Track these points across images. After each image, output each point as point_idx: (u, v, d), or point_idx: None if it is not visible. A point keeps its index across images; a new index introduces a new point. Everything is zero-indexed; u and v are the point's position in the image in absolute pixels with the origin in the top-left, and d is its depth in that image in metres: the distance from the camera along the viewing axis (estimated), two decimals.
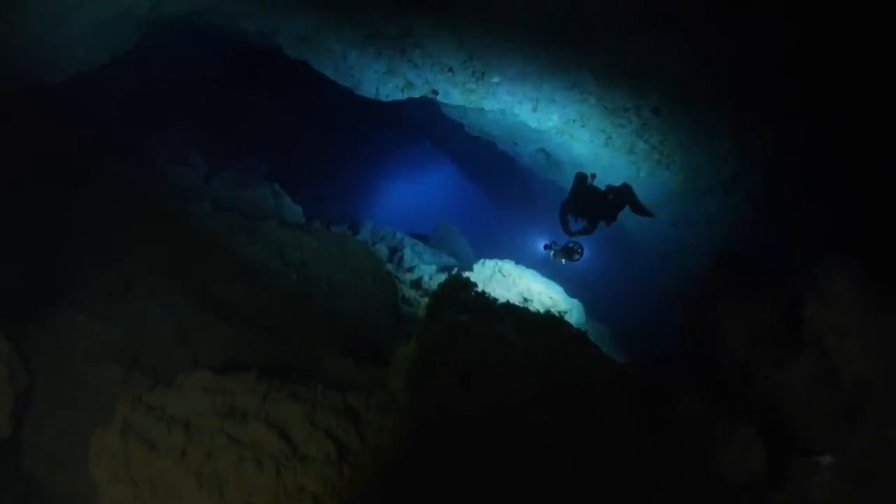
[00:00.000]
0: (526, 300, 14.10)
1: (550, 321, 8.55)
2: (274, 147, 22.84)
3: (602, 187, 11.53)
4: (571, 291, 15.16)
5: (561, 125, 15.04)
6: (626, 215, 12.35)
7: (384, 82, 15.79)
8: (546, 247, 12.26)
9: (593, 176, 11.47)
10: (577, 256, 11.97)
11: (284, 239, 12.27)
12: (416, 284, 14.59)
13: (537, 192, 21.32)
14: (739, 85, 11.25)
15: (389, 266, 14.70)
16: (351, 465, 6.95)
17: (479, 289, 8.69)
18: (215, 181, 15.76)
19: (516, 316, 8.14)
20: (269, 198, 16.60)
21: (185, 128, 19.26)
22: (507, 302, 8.67)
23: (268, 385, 7.64)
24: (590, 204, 11.29)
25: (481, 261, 15.32)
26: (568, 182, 12.29)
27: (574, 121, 14.57)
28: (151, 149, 16.98)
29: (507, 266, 15.26)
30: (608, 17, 10.95)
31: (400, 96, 15.88)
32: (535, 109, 15.03)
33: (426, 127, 24.04)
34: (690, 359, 11.85)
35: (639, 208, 11.64)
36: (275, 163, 21.47)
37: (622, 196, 11.39)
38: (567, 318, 13.75)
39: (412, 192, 34.17)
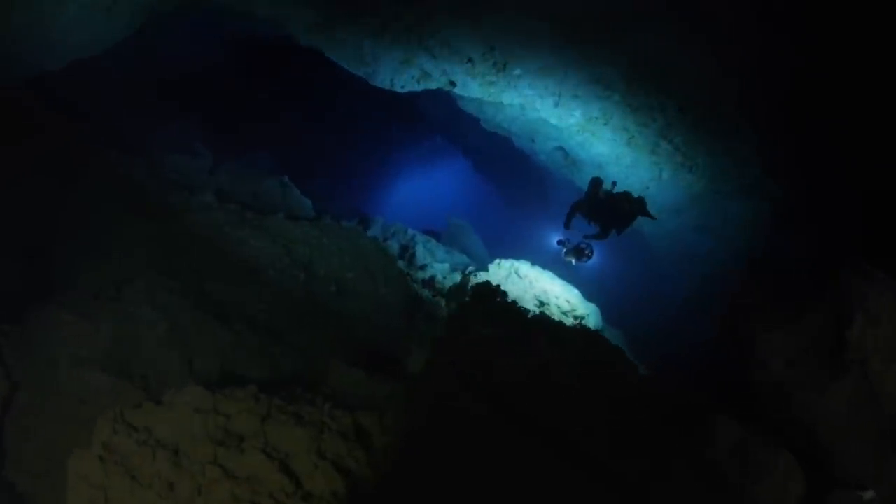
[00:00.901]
0: (542, 303, 13.10)
1: (586, 337, 7.43)
2: (283, 140, 21.67)
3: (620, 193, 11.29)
4: (586, 294, 14.29)
5: (583, 122, 14.06)
6: (641, 220, 11.94)
7: (400, 72, 14.71)
8: (559, 242, 12.24)
9: (614, 184, 11.17)
10: (586, 257, 11.90)
11: (292, 234, 11.13)
12: (429, 283, 13.45)
13: (551, 191, 20.22)
14: (765, 87, 10.79)
15: (400, 263, 13.55)
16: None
17: (508, 297, 7.53)
18: (220, 172, 14.61)
19: (549, 331, 6.99)
20: (278, 190, 15.45)
21: (191, 119, 18.08)
22: (540, 313, 7.52)
23: (268, 404, 6.51)
24: (604, 211, 11.11)
25: (497, 261, 14.22)
26: (585, 181, 12.05)
27: (596, 118, 13.69)
28: (155, 139, 15.83)
29: (524, 267, 14.21)
30: (636, 11, 10.45)
31: (416, 87, 14.80)
32: (556, 105, 14.09)
33: (439, 121, 22.94)
34: (719, 374, 11.35)
35: (647, 214, 11.36)
36: (284, 156, 20.31)
37: (637, 208, 11.11)
38: (585, 322, 12.81)
39: (423, 187, 32.97)
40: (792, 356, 9.53)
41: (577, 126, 14.28)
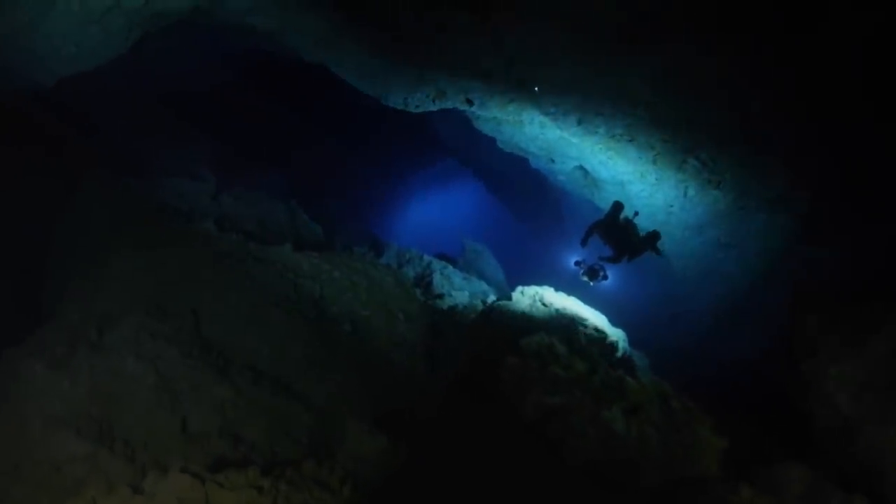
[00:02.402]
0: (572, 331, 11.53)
1: (658, 395, 5.84)
2: (292, 162, 20.16)
3: (638, 226, 11.59)
4: (610, 318, 12.85)
5: (606, 139, 12.74)
6: (664, 240, 12.20)
7: (413, 91, 13.20)
8: (576, 263, 12.24)
9: (636, 214, 11.42)
10: (601, 278, 12.01)
11: (300, 268, 9.57)
12: (448, 315, 11.84)
13: (567, 212, 18.76)
14: (796, 102, 10.09)
15: (416, 292, 11.94)
16: None
17: (562, 347, 5.93)
18: (224, 197, 13.05)
19: (625, 397, 5.39)
20: (285, 216, 13.92)
21: (195, 140, 16.56)
22: (612, 372, 5.93)
23: (273, 495, 4.89)
24: (619, 237, 11.32)
25: (519, 289, 12.66)
26: (605, 201, 12.54)
27: (621, 135, 12.45)
28: (156, 161, 14.32)
29: (549, 294, 12.71)
30: (662, 22, 9.54)
31: (431, 107, 13.25)
32: (579, 122, 12.60)
33: (451, 143, 21.49)
34: (760, 402, 10.62)
35: (655, 249, 11.65)
36: (293, 178, 18.80)
37: (649, 240, 11.44)
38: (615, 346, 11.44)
39: (435, 209, 31.42)
40: (857, 389, 8.32)
41: (600, 144, 12.96)
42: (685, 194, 13.03)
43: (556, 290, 12.83)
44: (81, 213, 10.86)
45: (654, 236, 11.55)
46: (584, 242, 11.67)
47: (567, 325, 11.80)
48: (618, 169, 13.47)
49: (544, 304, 12.33)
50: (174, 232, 9.85)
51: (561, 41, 10.99)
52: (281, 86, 19.24)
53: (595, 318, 12.57)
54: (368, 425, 7.14)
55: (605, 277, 12.18)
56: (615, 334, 12.54)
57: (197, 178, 13.52)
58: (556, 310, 12.16)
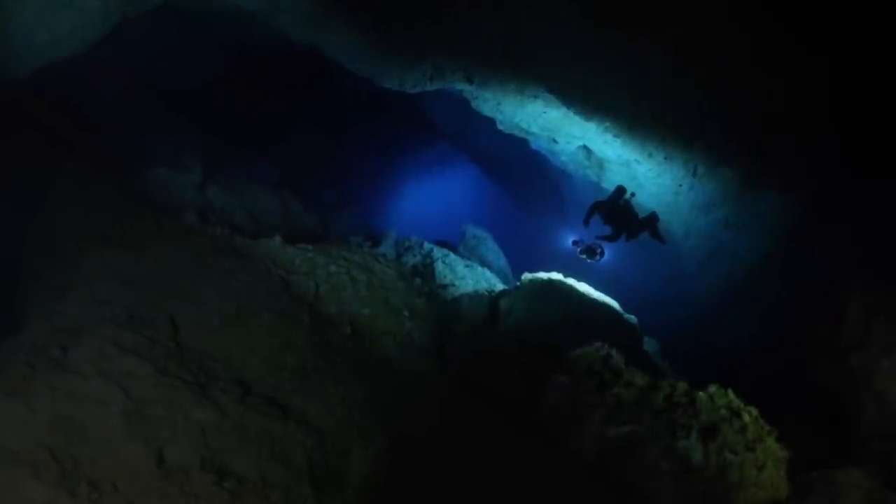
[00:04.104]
0: None
1: (727, 408, 4.56)
2: (284, 151, 18.73)
3: (636, 208, 11.65)
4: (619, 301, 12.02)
5: (614, 118, 11.70)
6: (670, 219, 12.64)
7: (410, 70, 11.87)
8: (574, 242, 12.22)
9: (633, 195, 11.40)
10: (598, 256, 11.98)
11: (292, 262, 8.22)
12: (456, 307, 10.53)
13: (568, 194, 17.51)
14: (809, 78, 9.60)
15: (417, 282, 10.59)
16: None
17: (621, 358, 4.61)
18: (210, 188, 11.66)
19: (696, 416, 4.09)
20: (277, 206, 12.57)
21: (183, 131, 15.11)
22: (675, 383, 4.61)
23: None
24: (619, 217, 11.40)
25: (526, 276, 11.34)
26: (610, 182, 12.50)
27: (629, 114, 11.50)
28: (142, 153, 12.90)
29: (557, 281, 11.34)
30: None
31: (428, 87, 11.96)
32: (585, 99, 11.57)
33: (447, 127, 20.12)
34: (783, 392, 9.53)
35: (656, 235, 11.80)
36: (285, 168, 17.39)
37: (647, 222, 11.60)
38: None
39: (431, 194, 29.98)
40: None
41: (607, 122, 11.87)
42: (694, 173, 12.17)
43: (565, 275, 11.62)
44: (56, 210, 9.49)
45: (652, 218, 11.67)
46: (586, 221, 11.59)
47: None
48: (624, 148, 12.35)
49: None
50: (151, 227, 8.45)
51: (569, 11, 9.91)
52: (271, 73, 17.86)
53: (610, 304, 11.45)
54: (378, 447, 5.85)
55: (602, 255, 12.06)
56: (629, 320, 11.44)
57: (182, 168, 12.09)
58: None
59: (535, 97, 11.98)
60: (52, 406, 5.68)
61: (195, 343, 6.56)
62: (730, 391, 4.85)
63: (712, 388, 4.72)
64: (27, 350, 6.43)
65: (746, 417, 4.66)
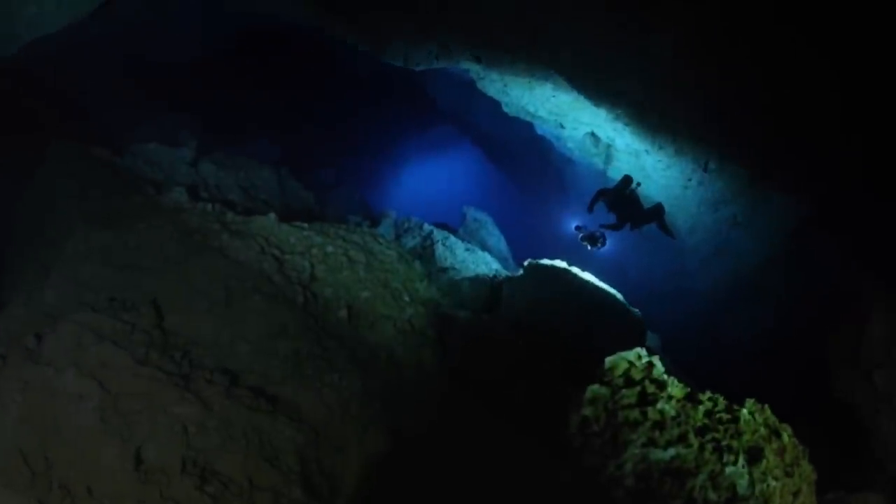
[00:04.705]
0: None
1: (767, 427, 3.98)
2: (283, 129, 18.07)
3: (642, 199, 11.36)
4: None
5: (626, 105, 10.98)
6: (676, 214, 12.34)
7: (415, 46, 11.23)
8: (577, 228, 11.78)
9: (638, 184, 11.03)
10: (600, 244, 11.61)
11: (286, 241, 7.60)
12: (456, 292, 9.95)
13: (571, 182, 16.91)
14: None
15: (417, 265, 9.96)
16: None
17: (662, 366, 4.01)
18: (203, 164, 11.01)
19: (738, 436, 3.51)
20: (274, 183, 11.93)
21: (181, 108, 14.45)
22: (715, 396, 4.02)
23: None
24: (623, 206, 11.08)
25: (530, 262, 10.76)
26: (617, 171, 12.15)
27: (640, 101, 10.72)
28: (137, 130, 12.24)
29: (562, 269, 10.78)
30: None
31: (434, 64, 11.32)
32: (598, 83, 10.71)
33: (449, 108, 19.49)
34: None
35: (664, 228, 11.48)
36: (284, 146, 16.75)
37: (654, 212, 11.31)
38: None
39: (432, 176, 29.23)
40: None
41: (618, 109, 11.16)
42: (705, 168, 11.57)
43: (570, 264, 11.05)
44: (43, 188, 8.89)
45: (658, 209, 11.30)
46: (590, 208, 11.13)
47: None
48: (634, 137, 11.78)
49: None
50: (139, 205, 7.83)
51: None
52: (274, 51, 17.27)
53: (615, 295, 10.88)
54: (376, 445, 5.29)
55: (604, 243, 11.65)
56: (634, 314, 10.86)
57: (175, 144, 11.41)
58: None
59: (545, 80, 11.35)
60: (24, 403, 5.11)
61: (180, 328, 5.97)
62: (767, 408, 4.26)
63: (750, 404, 4.12)
64: (2, 338, 5.87)
65: (785, 438, 4.08)
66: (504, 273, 11.38)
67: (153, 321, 5.90)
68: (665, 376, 4.06)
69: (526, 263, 10.73)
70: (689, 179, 12.04)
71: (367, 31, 11.40)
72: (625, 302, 10.80)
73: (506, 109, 13.31)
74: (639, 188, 11.07)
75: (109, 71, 12.88)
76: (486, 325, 8.29)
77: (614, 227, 11.37)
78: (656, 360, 4.15)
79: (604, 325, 9.52)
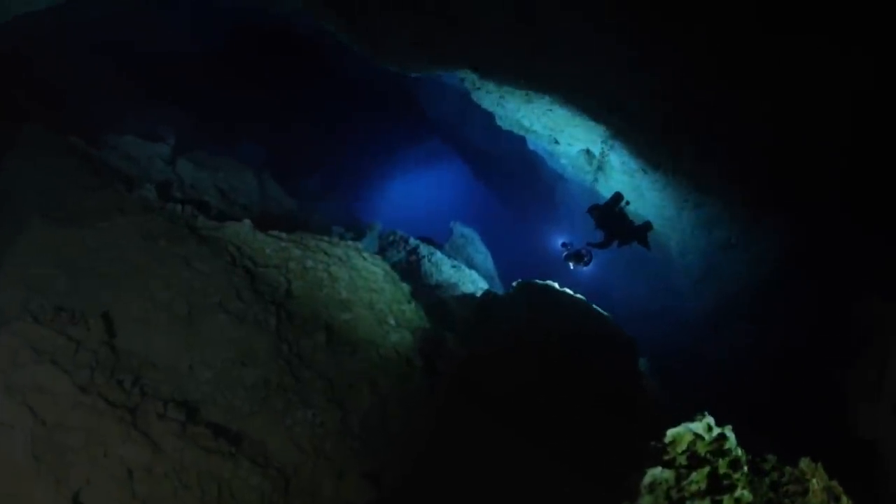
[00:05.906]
0: None
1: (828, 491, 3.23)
2: (272, 133, 17.29)
3: (631, 216, 10.88)
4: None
5: (625, 122, 10.37)
6: (670, 234, 12.02)
7: (412, 52, 10.53)
8: (563, 245, 11.20)
9: (627, 203, 10.59)
10: (584, 263, 11.12)
11: (261, 252, 6.72)
12: (444, 313, 9.13)
13: (561, 199, 16.27)
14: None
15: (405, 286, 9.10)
16: None
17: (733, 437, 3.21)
18: (181, 162, 10.09)
19: None
20: (254, 187, 11.05)
21: (166, 105, 13.58)
22: (781, 465, 3.23)
23: None
24: (612, 223, 10.61)
25: (520, 283, 10.04)
26: (609, 190, 11.52)
27: (641, 122, 10.17)
28: (118, 124, 11.34)
29: (552, 289, 10.09)
30: None
31: (429, 71, 10.59)
32: (596, 99, 10.12)
33: (440, 122, 18.80)
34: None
35: (642, 241, 10.86)
36: (270, 150, 15.95)
37: (641, 230, 10.77)
38: None
39: (419, 190, 28.43)
40: None
41: (620, 123, 10.49)
42: (701, 190, 10.99)
43: (560, 285, 10.36)
44: (9, 178, 7.95)
45: (646, 227, 10.82)
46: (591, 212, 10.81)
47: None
48: (630, 156, 11.17)
49: None
50: (103, 202, 6.92)
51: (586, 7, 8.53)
52: (264, 50, 16.52)
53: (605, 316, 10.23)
54: (353, 491, 4.43)
55: (588, 263, 11.13)
56: (626, 337, 10.18)
57: (153, 139, 10.47)
58: None
59: (542, 94, 10.67)
60: None
61: (133, 347, 5.08)
62: (820, 466, 3.52)
63: (806, 463, 3.37)
64: None
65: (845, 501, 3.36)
66: (493, 292, 10.61)
67: (102, 337, 5.00)
68: (740, 451, 3.26)
69: (515, 284, 10.00)
70: (686, 200, 11.43)
71: (365, 33, 10.66)
72: (615, 324, 10.18)
73: (499, 122, 12.61)
74: (628, 206, 10.59)
75: (97, 59, 12.16)
76: (477, 351, 7.47)
77: (601, 245, 10.85)
78: (728, 430, 3.35)
79: (597, 347, 8.86)
